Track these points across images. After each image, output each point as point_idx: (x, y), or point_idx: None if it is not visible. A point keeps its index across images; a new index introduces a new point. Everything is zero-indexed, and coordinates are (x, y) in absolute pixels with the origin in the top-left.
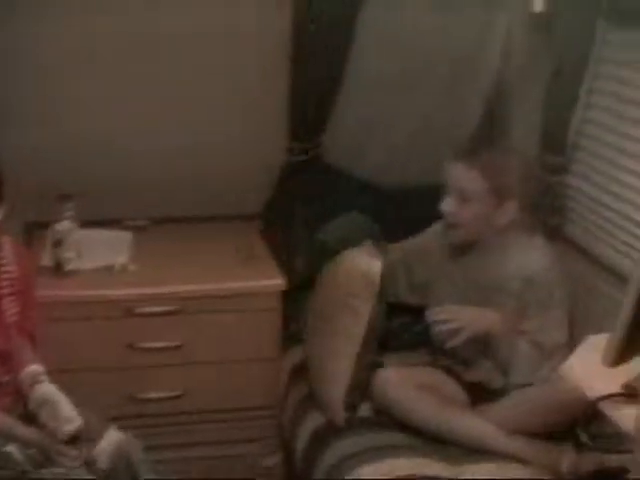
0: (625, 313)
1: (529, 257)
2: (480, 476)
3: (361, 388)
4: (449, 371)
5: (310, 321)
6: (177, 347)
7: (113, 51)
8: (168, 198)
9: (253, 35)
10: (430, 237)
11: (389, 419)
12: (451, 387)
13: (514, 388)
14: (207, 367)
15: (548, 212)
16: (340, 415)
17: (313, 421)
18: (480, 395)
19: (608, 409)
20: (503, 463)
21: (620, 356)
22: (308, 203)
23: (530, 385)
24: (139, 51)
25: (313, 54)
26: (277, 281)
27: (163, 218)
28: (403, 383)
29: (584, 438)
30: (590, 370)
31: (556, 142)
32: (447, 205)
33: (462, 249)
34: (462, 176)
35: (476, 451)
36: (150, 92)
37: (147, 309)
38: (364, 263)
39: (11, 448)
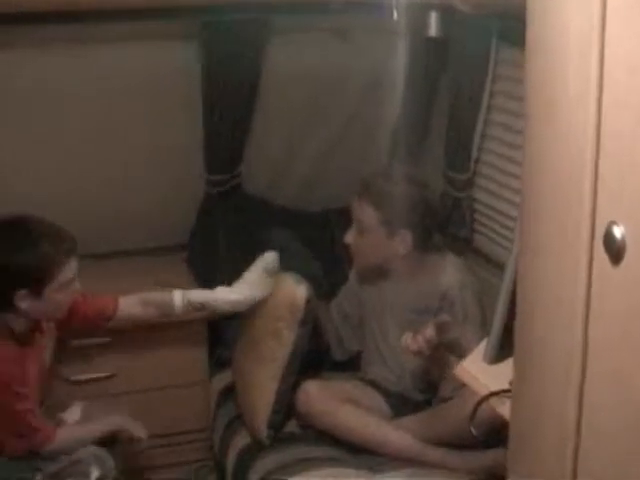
0: (500, 310)
1: (442, 275)
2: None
3: (285, 408)
4: (372, 384)
5: (238, 345)
6: (110, 377)
7: (31, 95)
8: (92, 235)
9: (166, 73)
10: (352, 278)
11: (313, 433)
12: (374, 399)
13: (439, 401)
14: (139, 395)
15: (457, 226)
16: (264, 435)
17: (241, 440)
18: (402, 407)
19: (497, 405)
20: (419, 470)
21: (499, 353)
22: (230, 232)
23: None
24: (57, 97)
25: (225, 88)
26: None
27: (88, 255)
28: (326, 396)
29: (476, 434)
30: (481, 369)
31: (460, 160)
32: (347, 237)
33: (377, 278)
34: (357, 209)
35: (396, 460)
36: (73, 130)
37: (81, 342)
38: (289, 288)
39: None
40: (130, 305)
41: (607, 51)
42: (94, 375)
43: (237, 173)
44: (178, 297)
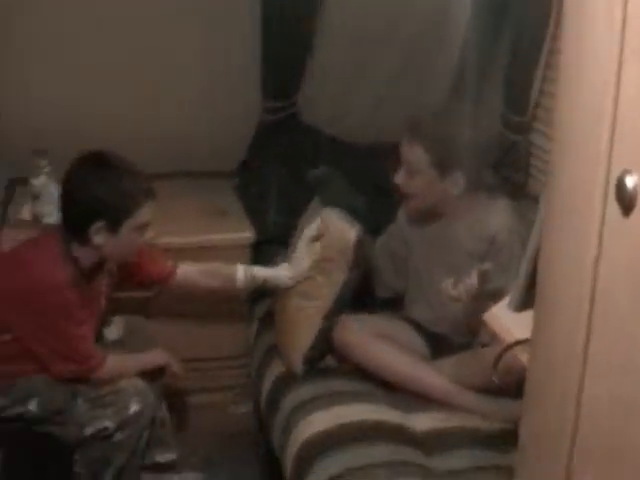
0: (529, 255)
1: (492, 218)
2: (426, 423)
3: (322, 346)
4: (413, 323)
5: None
6: (151, 298)
7: (92, 17)
8: (144, 156)
9: None
10: (400, 216)
11: (349, 367)
12: (412, 337)
13: (478, 346)
14: (180, 318)
15: (512, 170)
16: (298, 369)
17: (277, 369)
18: (441, 348)
19: (521, 354)
20: (451, 413)
21: (525, 301)
22: (283, 161)
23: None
24: (112, 15)
25: (284, 12)
26: (247, 234)
27: None
28: (363, 330)
29: (498, 382)
30: (512, 317)
31: (519, 102)
32: (398, 178)
33: (426, 219)
34: (407, 150)
35: (427, 401)
36: (126, 52)
37: None
38: (341, 231)
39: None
40: (190, 274)
41: None
42: (135, 294)
43: (293, 101)
44: (241, 272)
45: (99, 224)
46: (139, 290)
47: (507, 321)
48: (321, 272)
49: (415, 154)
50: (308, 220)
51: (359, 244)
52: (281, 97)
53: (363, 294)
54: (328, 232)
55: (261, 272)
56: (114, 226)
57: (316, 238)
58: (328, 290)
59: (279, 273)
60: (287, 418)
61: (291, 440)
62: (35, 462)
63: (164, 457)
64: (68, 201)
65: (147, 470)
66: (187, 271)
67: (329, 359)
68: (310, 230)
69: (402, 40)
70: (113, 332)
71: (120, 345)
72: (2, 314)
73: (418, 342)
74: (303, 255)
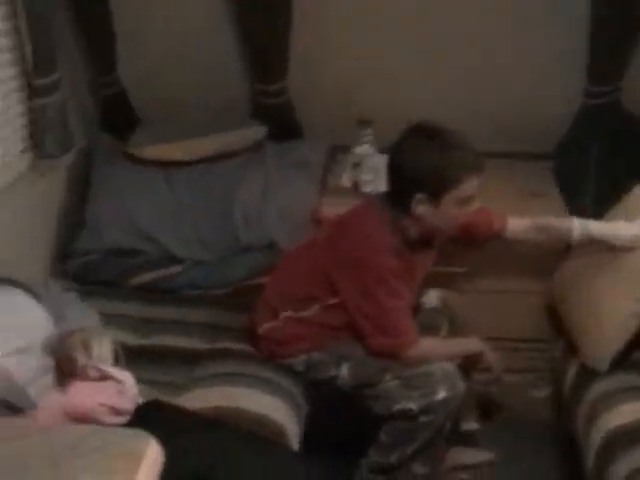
0: None
1: None
2: None
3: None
4: None
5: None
6: (463, 274)
7: None
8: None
9: None
10: None
11: None
12: None
13: None
14: (489, 295)
15: None
16: (601, 363)
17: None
18: None
19: None
20: None
21: None
22: (602, 146)
23: None
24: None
25: None
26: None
27: None
28: None
29: None
30: None
31: None
32: None
33: None
34: None
35: None
36: (445, 27)
37: None
38: None
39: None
40: (521, 227)
41: None
42: (449, 269)
43: (618, 86)
44: (577, 228)
45: (420, 196)
46: (476, 246)
47: None
48: None
49: None
50: None
51: None
52: (606, 82)
53: None
54: None
55: (598, 229)
56: (435, 199)
57: None
58: None
59: (618, 232)
60: (592, 406)
61: (595, 429)
62: (342, 424)
63: (468, 425)
64: (393, 171)
65: (450, 440)
66: (518, 225)
67: (637, 353)
68: None
69: None
70: (431, 301)
71: (434, 314)
72: (329, 276)
73: None
74: None
